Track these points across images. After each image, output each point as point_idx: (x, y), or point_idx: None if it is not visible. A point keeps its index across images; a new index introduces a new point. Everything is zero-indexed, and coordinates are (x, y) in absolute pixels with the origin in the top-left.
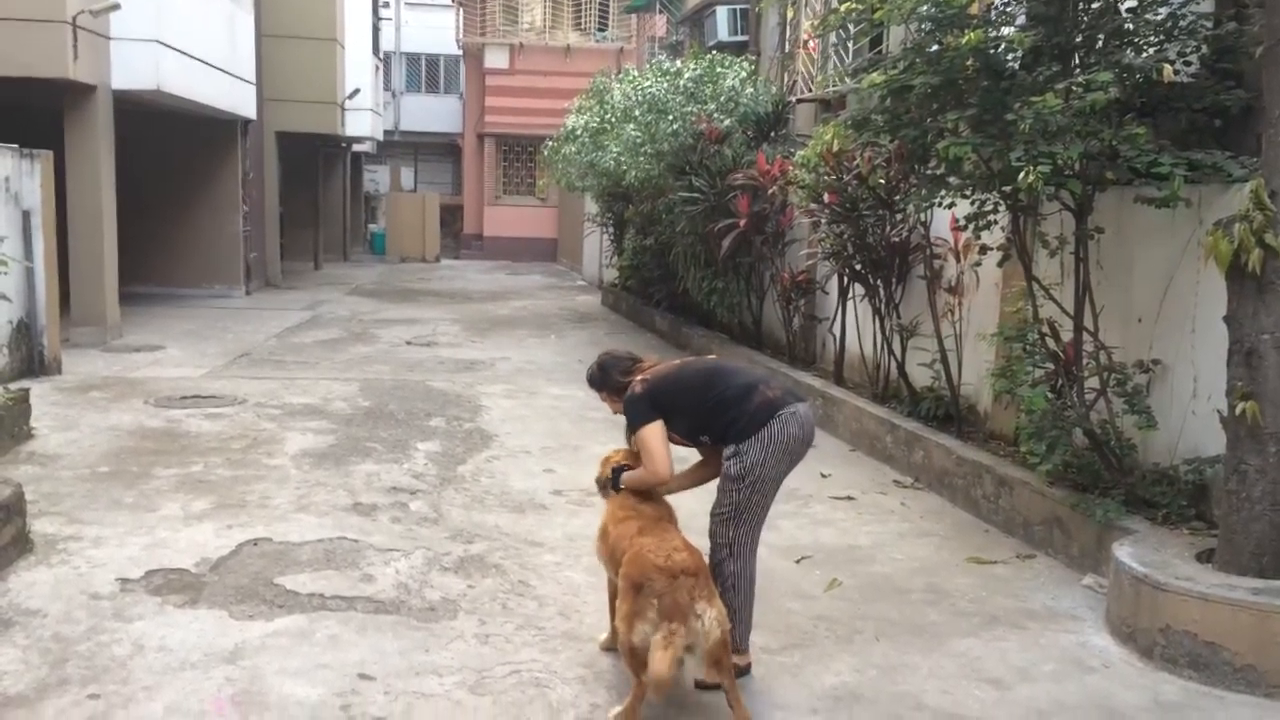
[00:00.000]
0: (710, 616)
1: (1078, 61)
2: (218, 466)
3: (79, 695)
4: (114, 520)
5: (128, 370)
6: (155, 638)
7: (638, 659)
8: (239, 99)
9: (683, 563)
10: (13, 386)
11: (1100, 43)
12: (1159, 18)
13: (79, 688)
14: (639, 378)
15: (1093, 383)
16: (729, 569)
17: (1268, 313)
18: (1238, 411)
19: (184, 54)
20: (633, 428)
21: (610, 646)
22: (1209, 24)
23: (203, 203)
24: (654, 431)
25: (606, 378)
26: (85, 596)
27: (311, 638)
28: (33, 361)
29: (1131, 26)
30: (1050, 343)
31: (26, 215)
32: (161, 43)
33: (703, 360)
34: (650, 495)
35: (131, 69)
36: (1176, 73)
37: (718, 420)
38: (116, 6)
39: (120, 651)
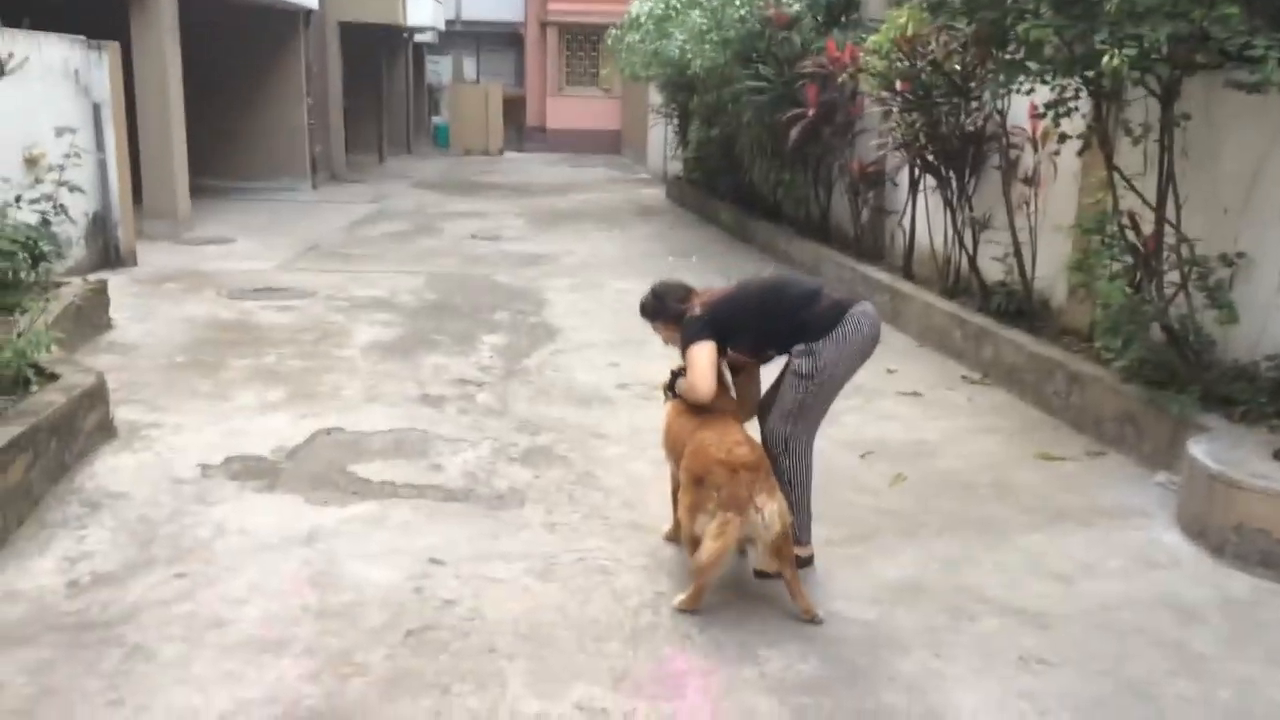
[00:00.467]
0: (770, 510)
1: None
2: (290, 357)
3: (165, 574)
4: (192, 408)
5: (200, 262)
6: (235, 521)
7: (697, 548)
8: None
9: (743, 457)
10: (91, 278)
11: None
12: None
13: (165, 567)
14: (698, 302)
15: (1173, 276)
16: (784, 464)
17: None
18: None
19: None
20: (684, 344)
21: (673, 538)
22: None
23: (268, 96)
24: (703, 350)
25: (662, 305)
26: (168, 481)
27: (384, 523)
28: (109, 253)
29: None
30: (1130, 235)
31: (97, 108)
32: None
33: (758, 277)
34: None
35: None
36: None
37: (785, 325)
38: None
39: (203, 534)
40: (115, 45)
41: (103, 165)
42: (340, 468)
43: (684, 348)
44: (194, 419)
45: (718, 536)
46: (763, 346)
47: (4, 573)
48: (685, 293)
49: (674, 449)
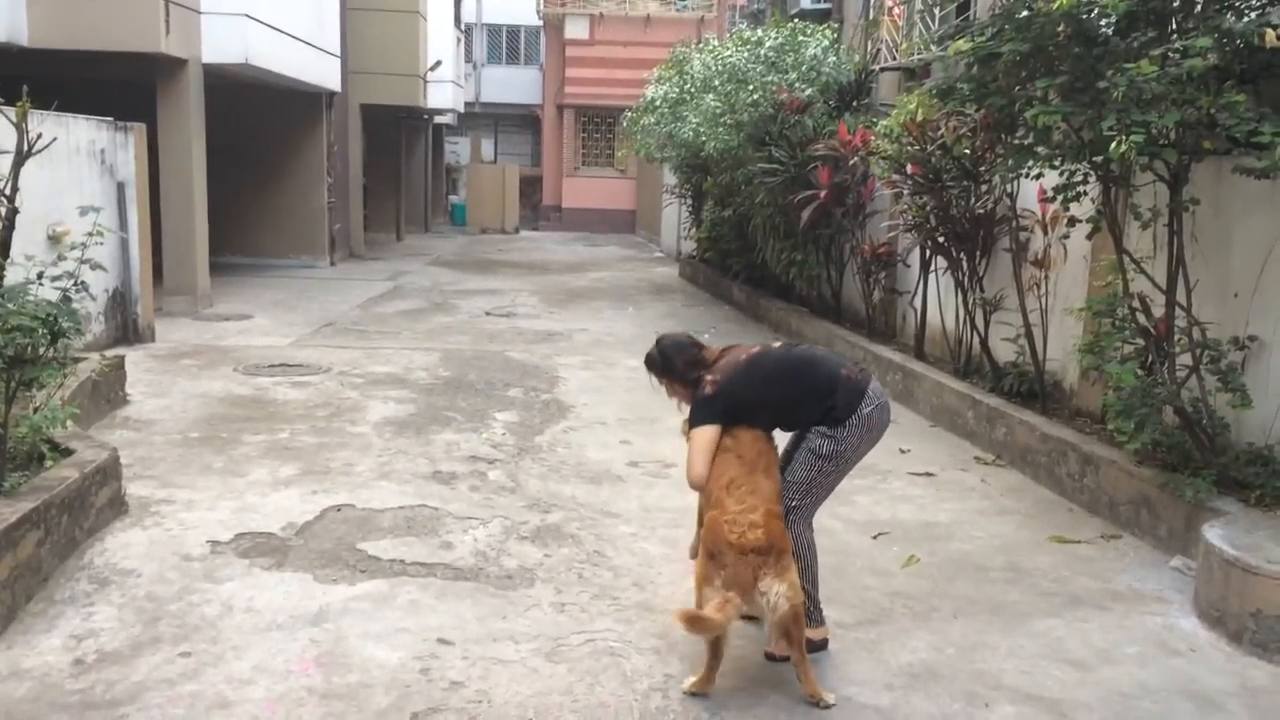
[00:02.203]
0: (777, 591)
1: (1174, 27)
2: (303, 433)
3: (171, 653)
4: (205, 484)
5: (217, 338)
6: (243, 599)
7: None
8: (324, 72)
9: (754, 542)
10: (108, 353)
11: (1199, 7)
12: None
13: (171, 646)
14: (709, 377)
15: (1185, 359)
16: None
17: None
18: None
19: (271, 28)
20: (692, 424)
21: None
22: None
23: (289, 175)
24: (706, 436)
25: (669, 365)
26: (177, 558)
27: (392, 602)
28: (127, 329)
29: None
30: (1141, 317)
31: (121, 187)
32: (250, 17)
33: (773, 350)
34: (750, 430)
35: (221, 43)
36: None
37: (810, 412)
38: None
39: (210, 611)
40: (141, 127)
41: (125, 243)
42: (350, 545)
43: (691, 423)
44: (206, 495)
45: (718, 611)
46: (780, 425)
47: (10, 650)
48: (694, 353)
49: (704, 491)
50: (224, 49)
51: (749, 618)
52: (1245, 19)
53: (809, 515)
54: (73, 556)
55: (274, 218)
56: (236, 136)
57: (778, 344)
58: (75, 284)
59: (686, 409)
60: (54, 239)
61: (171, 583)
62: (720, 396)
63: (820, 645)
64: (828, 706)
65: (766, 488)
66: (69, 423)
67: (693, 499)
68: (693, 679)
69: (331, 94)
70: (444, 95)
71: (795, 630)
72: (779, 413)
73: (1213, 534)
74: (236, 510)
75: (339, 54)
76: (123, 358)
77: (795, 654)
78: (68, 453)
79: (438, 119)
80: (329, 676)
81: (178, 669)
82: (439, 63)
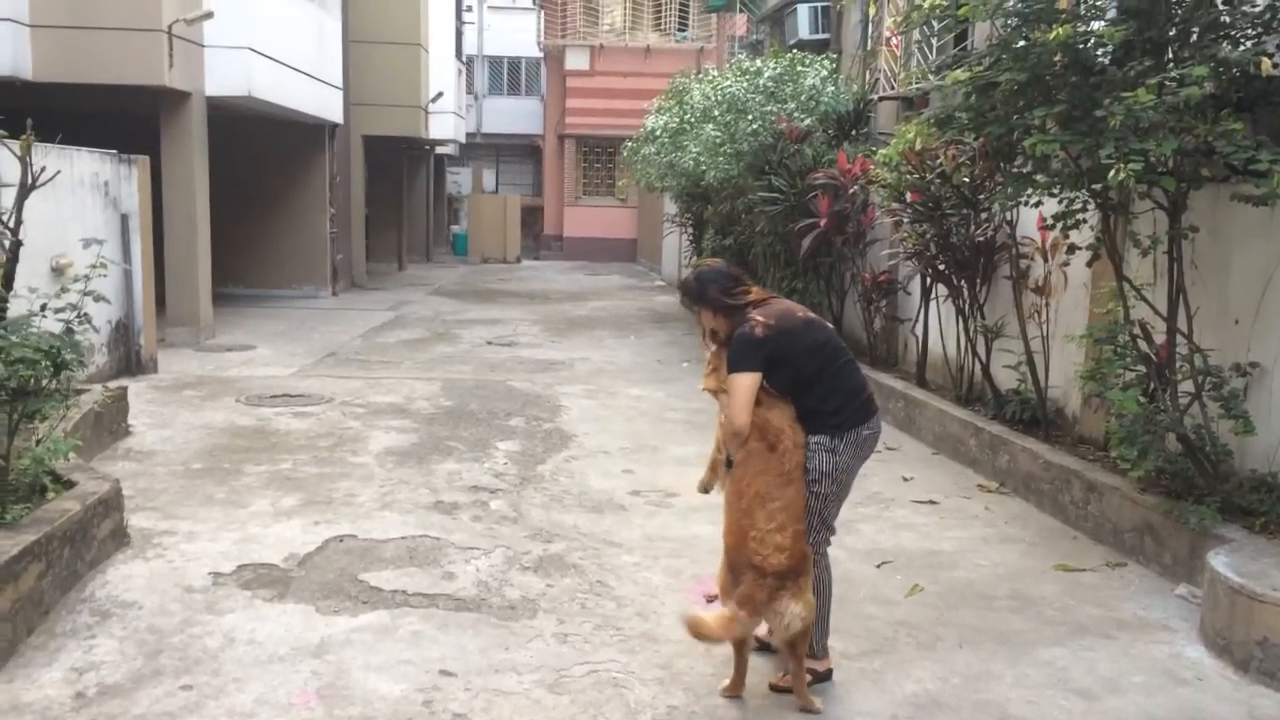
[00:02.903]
0: (793, 612)
1: (1171, 56)
2: (305, 464)
3: (172, 686)
4: (206, 516)
5: (220, 369)
6: (245, 631)
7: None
8: (327, 104)
9: (777, 566)
10: (111, 385)
11: (1195, 36)
12: (1257, 9)
13: (172, 679)
14: (760, 317)
15: (1187, 386)
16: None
17: None
18: None
19: (274, 60)
20: (733, 366)
21: (706, 487)
22: None
23: (291, 206)
24: (751, 382)
25: (704, 292)
26: (179, 590)
27: (395, 634)
28: (130, 360)
29: (1228, 19)
30: (1142, 344)
31: (125, 219)
32: (253, 50)
33: (826, 326)
34: (788, 429)
35: (224, 76)
36: (1276, 66)
37: (830, 400)
38: (210, 15)
39: (212, 644)
40: (145, 160)
41: (128, 275)
42: (352, 576)
43: (731, 365)
44: (208, 526)
45: (725, 628)
46: (795, 393)
47: (11, 683)
48: (734, 284)
49: (734, 478)
50: (227, 82)
51: (764, 646)
52: (1241, 48)
53: (823, 552)
54: (74, 589)
55: (276, 248)
56: (239, 168)
57: (830, 325)
58: (78, 316)
59: (709, 352)
60: (57, 271)
61: (173, 615)
62: (770, 341)
63: (825, 676)
64: (818, 712)
65: (798, 504)
66: (71, 454)
67: (697, 529)
68: (726, 682)
69: (334, 125)
70: (446, 126)
71: (800, 644)
72: (803, 381)
73: (1218, 561)
74: (238, 541)
75: (341, 86)
76: (125, 389)
77: (795, 665)
78: (70, 484)
79: (439, 149)
80: (331, 709)
81: (179, 702)
82: (440, 94)
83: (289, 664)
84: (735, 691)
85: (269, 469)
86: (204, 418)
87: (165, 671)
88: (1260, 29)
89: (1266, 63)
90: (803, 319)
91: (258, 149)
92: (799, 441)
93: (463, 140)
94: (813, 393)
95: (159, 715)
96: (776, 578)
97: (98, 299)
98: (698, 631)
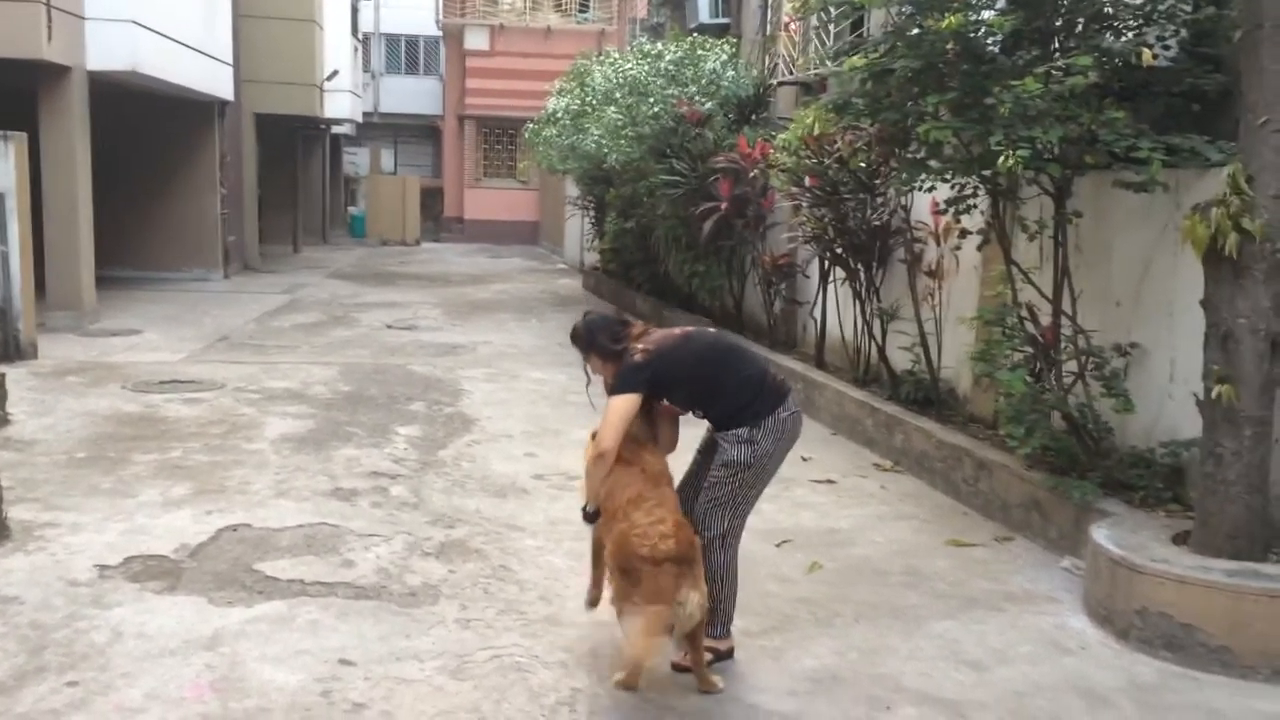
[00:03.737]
0: (694, 601)
1: (1057, 45)
2: (196, 452)
3: (57, 683)
4: (92, 506)
5: (105, 355)
6: (134, 624)
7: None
8: (216, 80)
9: (666, 551)
10: None
11: (1080, 27)
12: (1138, 1)
13: (57, 675)
14: (640, 346)
15: (1071, 366)
16: (719, 560)
17: (1244, 297)
18: (1214, 395)
19: (160, 34)
20: (614, 386)
21: (593, 601)
22: (1188, 8)
23: (180, 185)
24: (627, 404)
25: (593, 340)
26: (63, 583)
27: (291, 624)
28: (8, 346)
29: (1111, 10)
30: (1029, 326)
31: (0, 198)
32: (137, 23)
33: (706, 333)
34: (648, 445)
35: (107, 49)
36: (1155, 57)
37: (731, 401)
38: None
39: (99, 639)
40: (22, 136)
41: (4, 257)
42: (246, 566)
43: (611, 389)
44: (93, 517)
45: (647, 632)
46: (696, 407)
47: None
48: (620, 330)
49: (605, 507)
50: (110, 56)
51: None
52: (1123, 38)
53: (737, 537)
54: None
55: (165, 230)
56: (124, 146)
57: (712, 329)
58: None
59: (603, 396)
60: None
61: (57, 609)
62: (649, 365)
63: (727, 655)
64: (719, 691)
65: (673, 499)
66: None
67: None
68: (620, 675)
69: (224, 103)
70: (341, 105)
71: (699, 634)
72: (701, 392)
73: (1099, 534)
74: (126, 532)
75: (231, 62)
76: (3, 375)
77: (696, 655)
78: None
79: (335, 129)
80: (226, 702)
81: (64, 699)
82: (336, 72)
83: (181, 657)
84: (633, 682)
85: (158, 457)
86: (88, 405)
87: (49, 668)
88: (1141, 20)
89: (1147, 53)
90: (679, 335)
91: (144, 126)
92: (660, 453)
93: (360, 120)
94: (720, 396)
95: (44, 713)
96: (673, 563)
97: None
98: (640, 658)
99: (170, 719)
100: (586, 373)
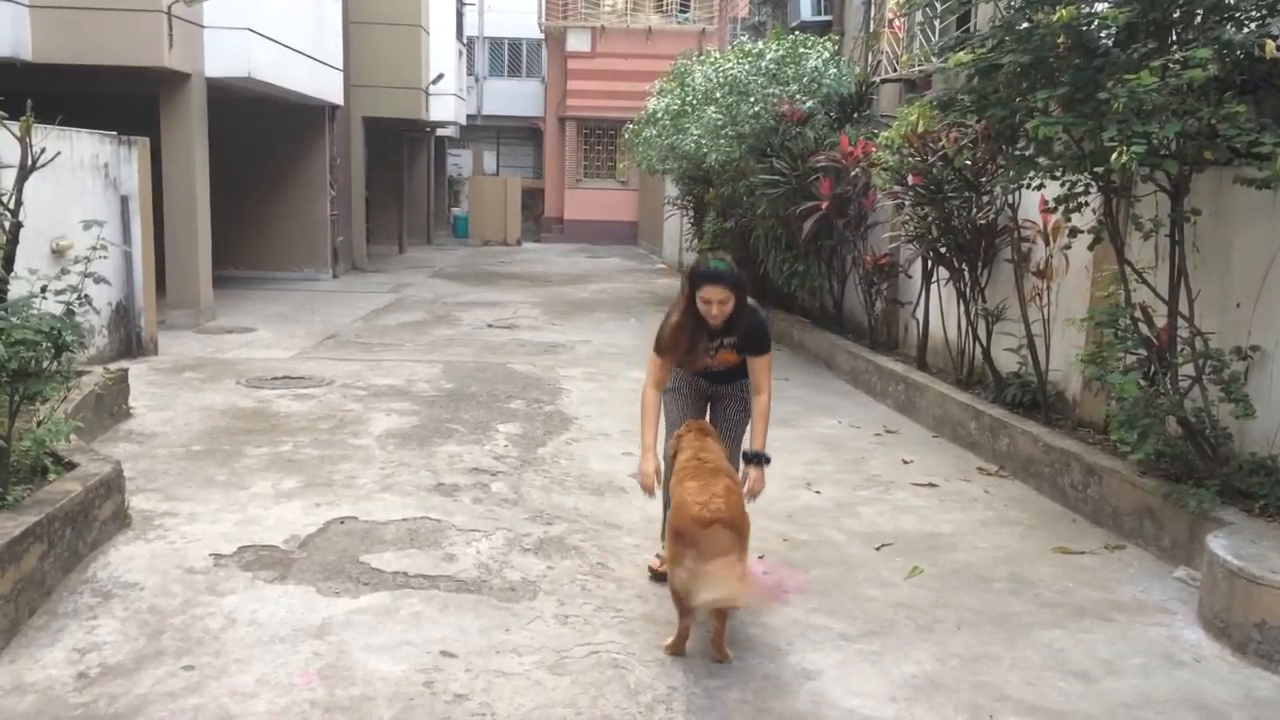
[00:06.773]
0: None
1: (1175, 38)
2: (306, 446)
3: (174, 666)
4: (207, 497)
5: (220, 351)
6: (246, 612)
7: (678, 597)
8: (326, 85)
9: (717, 511)
10: (112, 367)
11: (1199, 18)
12: None
13: (174, 659)
14: (754, 303)
15: (1187, 370)
16: None
17: None
18: None
19: (274, 42)
20: (768, 346)
21: (659, 571)
22: None
23: (291, 188)
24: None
25: (740, 279)
26: (180, 571)
27: (395, 615)
28: (130, 342)
29: (1232, 1)
30: (1143, 328)
31: (125, 200)
32: (253, 31)
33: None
34: (714, 433)
35: (224, 57)
36: (1279, 48)
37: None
38: None
39: (213, 625)
40: (145, 141)
41: (128, 256)
42: (353, 558)
43: (768, 346)
44: (208, 508)
45: (714, 587)
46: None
47: (14, 663)
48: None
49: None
50: (227, 63)
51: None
52: (1245, 30)
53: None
54: (76, 570)
55: (277, 230)
56: (239, 149)
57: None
58: (78, 297)
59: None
60: (57, 253)
61: (174, 595)
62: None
63: (662, 576)
64: (731, 661)
65: (725, 481)
66: (72, 436)
67: None
68: (669, 640)
69: (334, 107)
70: (446, 108)
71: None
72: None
73: (1216, 544)
74: (239, 523)
75: (341, 67)
76: (126, 371)
77: (720, 625)
78: (71, 466)
79: (440, 131)
80: (332, 689)
81: (181, 682)
82: (441, 75)
83: (290, 645)
84: (679, 648)
85: (270, 451)
86: (204, 399)
87: (167, 652)
88: (1265, 11)
89: (1270, 45)
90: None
91: (258, 131)
92: (721, 446)
93: (463, 122)
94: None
95: (161, 695)
96: (723, 525)
97: (98, 281)
98: (679, 643)
99: (280, 704)
100: (698, 306)
